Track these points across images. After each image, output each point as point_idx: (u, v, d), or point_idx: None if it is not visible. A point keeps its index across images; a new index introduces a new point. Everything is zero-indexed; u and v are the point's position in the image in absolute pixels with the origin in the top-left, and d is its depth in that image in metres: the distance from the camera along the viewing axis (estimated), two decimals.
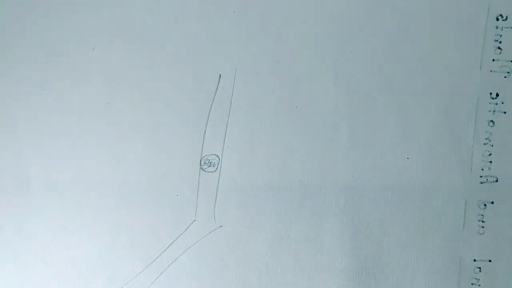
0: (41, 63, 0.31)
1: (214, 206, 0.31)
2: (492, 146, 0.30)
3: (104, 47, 0.30)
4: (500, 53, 0.30)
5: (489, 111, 0.30)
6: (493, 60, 0.30)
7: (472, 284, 0.29)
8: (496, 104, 0.30)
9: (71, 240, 0.31)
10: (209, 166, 0.31)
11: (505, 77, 0.30)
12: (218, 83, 0.30)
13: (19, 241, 0.31)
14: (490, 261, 0.29)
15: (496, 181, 0.30)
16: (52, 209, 0.31)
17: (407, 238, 0.30)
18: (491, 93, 0.30)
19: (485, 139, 0.30)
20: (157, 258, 0.31)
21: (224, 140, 0.31)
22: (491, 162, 0.30)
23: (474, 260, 0.29)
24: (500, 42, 0.30)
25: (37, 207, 0.31)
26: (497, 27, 0.30)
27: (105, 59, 0.30)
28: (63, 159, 0.31)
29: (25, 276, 0.31)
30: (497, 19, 0.30)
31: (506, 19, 0.30)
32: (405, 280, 0.30)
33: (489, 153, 0.30)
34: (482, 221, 0.30)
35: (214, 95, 0.30)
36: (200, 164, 0.31)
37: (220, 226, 0.31)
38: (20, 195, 0.31)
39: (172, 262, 0.31)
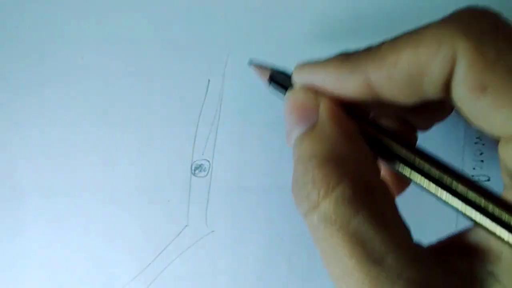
0: (30, 70, 0.30)
1: (206, 211, 0.30)
2: (483, 145, 0.29)
3: (93, 56, 0.30)
4: None
5: None
6: None
7: None
8: None
9: (63, 247, 0.30)
10: (200, 171, 0.30)
11: None
12: (207, 88, 0.29)
13: (12, 248, 0.30)
14: None
15: (488, 180, 0.29)
16: (44, 215, 0.30)
17: None
18: None
19: (476, 138, 0.29)
20: (149, 264, 0.30)
21: (215, 144, 0.30)
22: (482, 161, 0.29)
23: None
24: None
25: (29, 213, 0.30)
26: None
27: (94, 67, 0.30)
28: (54, 165, 0.30)
29: (19, 282, 0.30)
30: None
31: None
32: None
33: (481, 152, 0.29)
34: None
35: (204, 100, 0.30)
36: (191, 169, 0.30)
37: (212, 231, 0.30)
38: (12, 201, 0.30)
39: (165, 268, 0.30)
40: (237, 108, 0.29)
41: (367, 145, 0.20)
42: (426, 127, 0.25)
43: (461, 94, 0.17)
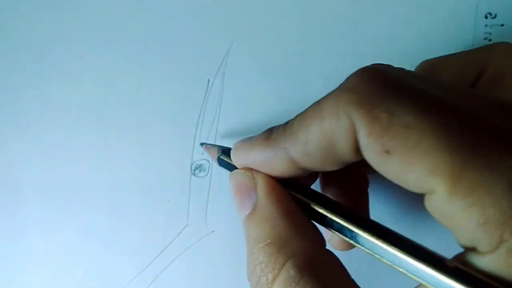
0: (30, 69, 0.30)
1: (206, 211, 0.30)
2: None
3: (93, 55, 0.29)
4: None
5: None
6: None
7: None
8: None
9: (63, 247, 0.30)
10: (200, 171, 0.30)
11: None
12: (207, 88, 0.29)
13: (12, 249, 0.30)
14: None
15: None
16: (43, 215, 0.30)
17: None
18: None
19: None
20: (149, 264, 0.30)
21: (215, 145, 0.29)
22: None
23: None
24: (490, 40, 0.28)
25: (28, 214, 0.30)
26: (486, 25, 0.29)
27: (94, 67, 0.29)
28: (54, 166, 0.30)
29: (19, 283, 0.30)
30: (486, 17, 0.29)
31: (495, 17, 0.29)
32: (400, 282, 0.28)
33: None
34: None
35: (203, 101, 0.29)
36: (191, 169, 0.30)
37: (212, 231, 0.30)
38: (11, 202, 0.30)
39: (165, 268, 0.30)
40: (237, 108, 0.29)
41: (306, 218, 0.20)
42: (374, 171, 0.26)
43: (371, 158, 0.17)
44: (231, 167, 0.24)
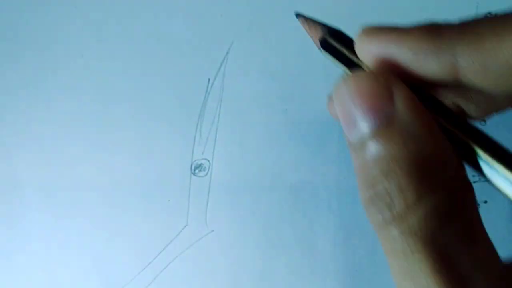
0: (29, 68, 0.30)
1: (206, 210, 0.30)
2: None
3: (93, 54, 0.29)
4: None
5: None
6: None
7: None
8: None
9: (63, 247, 0.30)
10: (200, 170, 0.30)
11: None
12: (207, 88, 0.29)
13: (12, 247, 0.30)
14: None
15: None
16: (44, 215, 0.30)
17: None
18: None
19: None
20: (149, 264, 0.30)
21: (215, 144, 0.29)
22: None
23: None
24: None
25: (28, 213, 0.30)
26: None
27: (94, 66, 0.29)
28: (53, 165, 0.30)
29: (18, 282, 0.30)
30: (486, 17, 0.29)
31: None
32: None
33: None
34: None
35: (203, 100, 0.29)
36: (191, 169, 0.30)
37: (212, 231, 0.30)
38: (11, 201, 0.30)
39: (165, 267, 0.30)
40: (237, 107, 0.29)
41: (449, 142, 0.16)
42: (483, 115, 0.21)
43: None
44: (340, 56, 0.18)
